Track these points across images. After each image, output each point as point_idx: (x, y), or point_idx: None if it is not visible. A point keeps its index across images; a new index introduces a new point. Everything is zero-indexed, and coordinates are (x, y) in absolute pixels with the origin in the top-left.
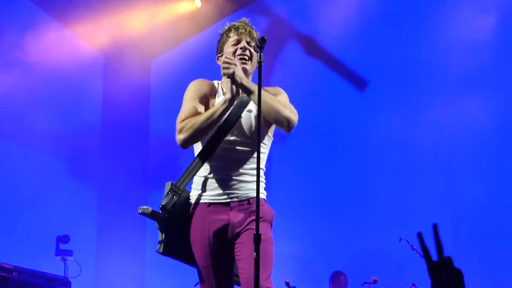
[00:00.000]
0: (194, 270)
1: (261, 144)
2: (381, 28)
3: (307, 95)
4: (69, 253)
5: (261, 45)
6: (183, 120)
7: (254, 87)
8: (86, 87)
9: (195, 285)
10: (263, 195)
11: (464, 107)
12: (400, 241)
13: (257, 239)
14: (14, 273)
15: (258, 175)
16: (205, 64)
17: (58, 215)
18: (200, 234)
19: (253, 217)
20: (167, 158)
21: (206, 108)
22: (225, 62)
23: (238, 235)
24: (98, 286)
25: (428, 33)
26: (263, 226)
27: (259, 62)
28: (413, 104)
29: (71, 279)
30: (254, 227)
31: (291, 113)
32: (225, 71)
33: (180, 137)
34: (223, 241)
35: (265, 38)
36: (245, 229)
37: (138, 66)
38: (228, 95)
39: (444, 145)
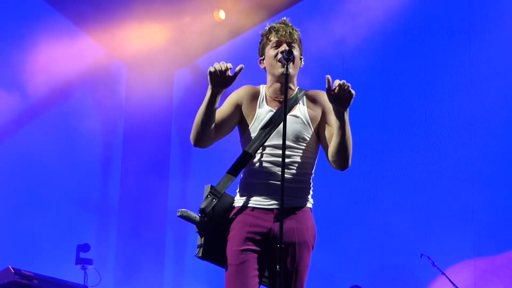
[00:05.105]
0: (216, 282)
1: (310, 150)
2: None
3: None
4: (89, 261)
5: (288, 57)
6: None
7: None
8: (110, 97)
9: None
10: (310, 203)
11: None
12: (421, 257)
13: (280, 251)
14: (34, 281)
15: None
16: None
17: (79, 223)
18: (236, 233)
19: (296, 239)
20: (188, 168)
21: (235, 114)
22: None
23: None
24: None
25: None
26: (303, 253)
27: (286, 74)
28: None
29: None
30: (296, 254)
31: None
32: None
33: (190, 137)
34: (259, 245)
35: (292, 51)
36: (286, 253)
37: (162, 76)
38: (209, 87)
39: (466, 159)
